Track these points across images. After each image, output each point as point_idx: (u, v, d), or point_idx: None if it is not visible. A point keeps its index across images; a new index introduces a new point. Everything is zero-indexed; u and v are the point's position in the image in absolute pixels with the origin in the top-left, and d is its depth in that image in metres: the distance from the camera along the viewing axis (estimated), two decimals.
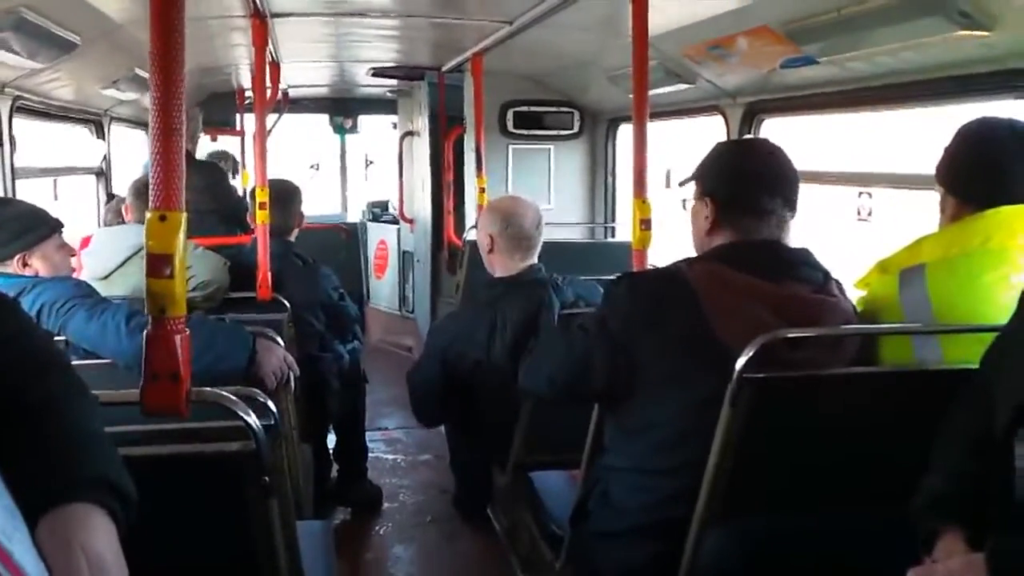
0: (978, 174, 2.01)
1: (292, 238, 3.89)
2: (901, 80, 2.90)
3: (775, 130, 3.95)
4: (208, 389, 1.54)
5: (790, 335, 1.79)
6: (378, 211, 8.54)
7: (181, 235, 1.50)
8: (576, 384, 2.19)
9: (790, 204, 2.04)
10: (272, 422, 1.69)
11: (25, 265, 2.61)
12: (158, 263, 1.48)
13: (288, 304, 3.19)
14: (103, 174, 5.21)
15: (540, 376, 2.34)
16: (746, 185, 2.05)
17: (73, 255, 2.86)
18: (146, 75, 4.36)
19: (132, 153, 6.04)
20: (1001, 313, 1.83)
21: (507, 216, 3.32)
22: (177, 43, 1.47)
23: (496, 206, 3.44)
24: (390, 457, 5.08)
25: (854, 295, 2.11)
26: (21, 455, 1.06)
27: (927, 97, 2.93)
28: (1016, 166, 1.96)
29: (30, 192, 3.86)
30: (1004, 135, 2.00)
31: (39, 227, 2.65)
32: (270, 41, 3.96)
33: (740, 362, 1.71)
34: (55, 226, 2.70)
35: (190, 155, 4.57)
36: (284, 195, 3.74)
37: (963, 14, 2.35)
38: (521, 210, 3.34)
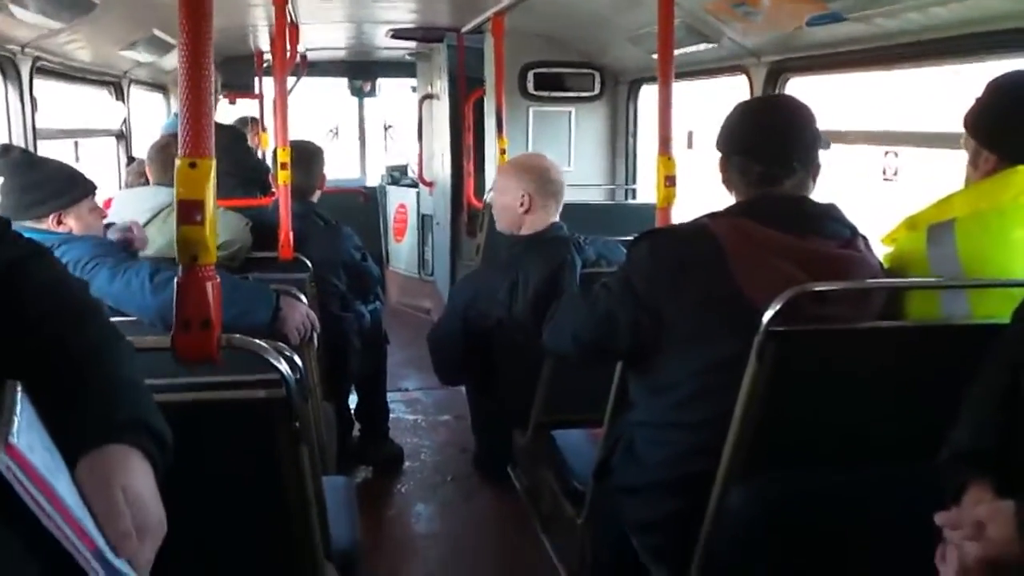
0: (1008, 124, 1.97)
1: (314, 199, 3.89)
2: (929, 37, 2.85)
3: (800, 90, 3.90)
4: (239, 336, 1.56)
5: (817, 288, 1.78)
6: (397, 175, 8.52)
7: (211, 182, 1.51)
8: (601, 343, 2.19)
9: (809, 160, 2.02)
10: (298, 376, 1.71)
11: (60, 223, 2.64)
12: (189, 209, 1.49)
13: (310, 264, 3.20)
14: (123, 136, 5.22)
15: (564, 335, 2.34)
16: (762, 141, 2.04)
17: (104, 217, 2.88)
18: (164, 37, 4.39)
19: (151, 115, 6.06)
20: None
21: (541, 171, 3.34)
22: None
23: (526, 164, 3.44)
24: (411, 417, 5.11)
25: (881, 251, 2.10)
26: (62, 400, 1.08)
27: (955, 54, 2.88)
28: None
29: (52, 153, 3.87)
30: None
31: (76, 188, 2.69)
32: (289, 1, 3.94)
33: (767, 316, 1.70)
34: (90, 188, 2.74)
35: None
36: (306, 156, 3.74)
37: None
38: (548, 163, 3.38)
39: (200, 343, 1.52)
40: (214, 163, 1.52)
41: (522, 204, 3.32)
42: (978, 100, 2.04)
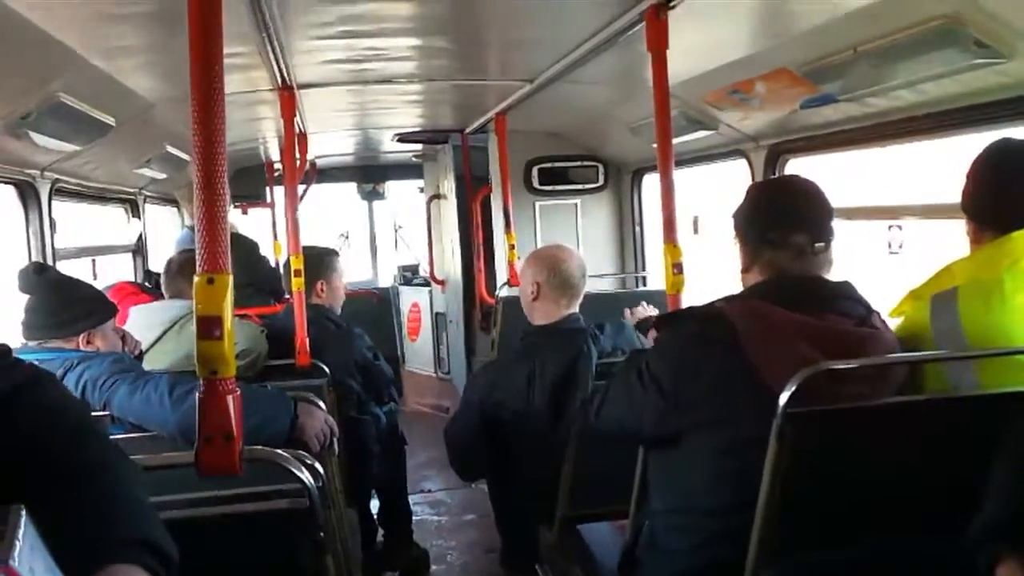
0: (993, 198, 2.01)
1: (323, 302, 3.94)
2: (920, 112, 2.92)
3: (800, 170, 3.97)
4: (261, 448, 1.57)
5: (832, 367, 1.78)
6: (409, 275, 8.62)
7: (229, 297, 1.54)
8: (626, 428, 2.21)
9: (821, 238, 2.03)
10: (320, 484, 1.71)
11: (88, 343, 2.71)
12: (208, 325, 1.52)
13: (327, 369, 3.22)
14: (139, 252, 5.32)
15: (601, 421, 2.34)
16: (772, 223, 2.06)
17: (123, 336, 2.94)
18: (177, 153, 4.52)
19: (164, 230, 6.17)
20: None
21: (554, 263, 3.37)
22: (218, 112, 1.53)
23: (542, 254, 3.48)
24: (435, 519, 5.06)
25: (892, 324, 2.11)
26: (64, 518, 1.08)
27: (947, 128, 2.94)
28: None
29: (70, 271, 3.94)
30: (1018, 157, 2.01)
31: (105, 309, 2.80)
32: (297, 113, 4.06)
33: (783, 397, 1.70)
34: (114, 310, 2.85)
35: None
36: (309, 260, 3.80)
37: (979, 44, 2.37)
38: (566, 256, 3.40)
39: (223, 457, 1.53)
40: (231, 278, 1.56)
41: (532, 293, 3.36)
42: (966, 175, 2.09)
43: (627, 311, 3.54)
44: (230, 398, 1.54)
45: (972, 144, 2.86)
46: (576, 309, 3.37)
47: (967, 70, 2.49)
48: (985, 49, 2.38)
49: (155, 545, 1.12)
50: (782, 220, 2.05)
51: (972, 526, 1.44)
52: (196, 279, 1.54)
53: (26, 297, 2.69)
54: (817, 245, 2.02)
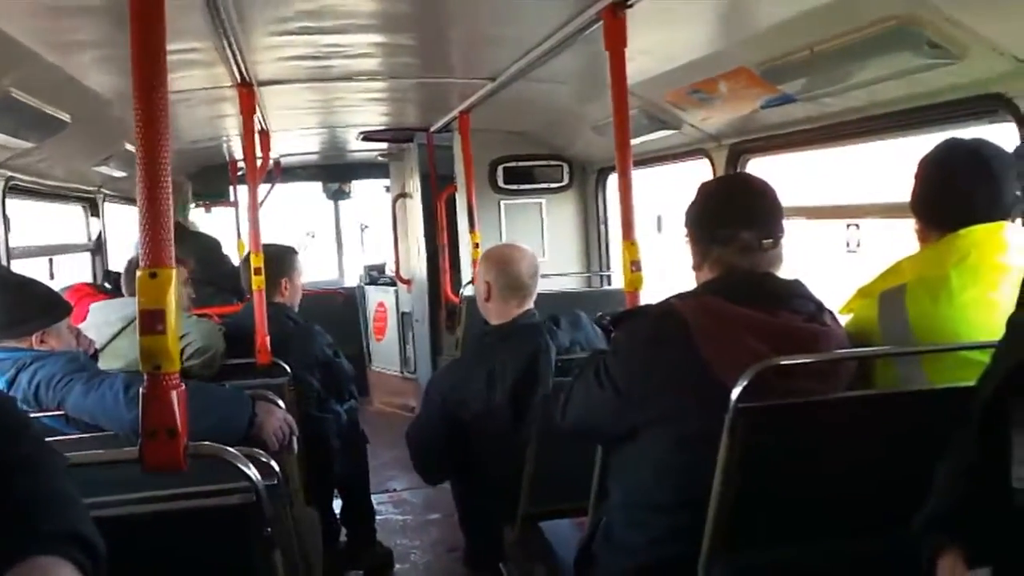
0: (940, 198, 2.05)
1: (284, 301, 3.91)
2: (877, 112, 2.96)
3: (761, 169, 4.00)
4: (207, 443, 1.55)
5: (782, 362, 1.80)
6: (375, 274, 8.58)
7: (172, 291, 1.52)
8: (585, 426, 2.24)
9: (768, 234, 2.05)
10: (275, 482, 1.70)
11: (42, 342, 2.66)
12: (150, 319, 1.50)
13: (287, 368, 3.20)
14: (98, 251, 5.25)
15: (565, 421, 2.34)
16: (720, 220, 2.09)
17: (77, 335, 2.90)
18: (134, 150, 4.46)
19: (125, 229, 6.10)
20: (978, 331, 1.85)
21: (502, 263, 3.35)
22: (159, 103, 1.52)
23: (491, 254, 3.47)
24: (399, 518, 5.04)
25: (842, 321, 2.13)
26: None
27: (903, 128, 2.99)
28: (977, 187, 2.00)
29: (25, 270, 3.89)
30: (963, 157, 2.04)
31: (58, 308, 2.74)
32: (259, 110, 4.03)
33: (735, 392, 1.72)
34: (69, 308, 2.80)
35: (181, 226, 4.61)
36: (270, 260, 3.77)
37: (932, 44, 2.40)
38: (517, 256, 3.37)
39: (167, 452, 1.51)
40: (175, 272, 1.54)
41: (484, 293, 3.36)
42: (914, 176, 2.12)
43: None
44: (174, 393, 1.52)
45: (928, 144, 2.92)
46: (530, 307, 3.37)
47: (921, 70, 2.53)
48: (938, 50, 2.41)
49: (82, 538, 1.12)
50: (729, 217, 2.07)
51: (914, 519, 1.46)
52: (139, 273, 1.52)
53: None
54: (765, 242, 2.03)
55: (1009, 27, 2.25)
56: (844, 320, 2.14)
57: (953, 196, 2.02)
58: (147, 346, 1.52)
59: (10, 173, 3.67)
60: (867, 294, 2.09)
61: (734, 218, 2.06)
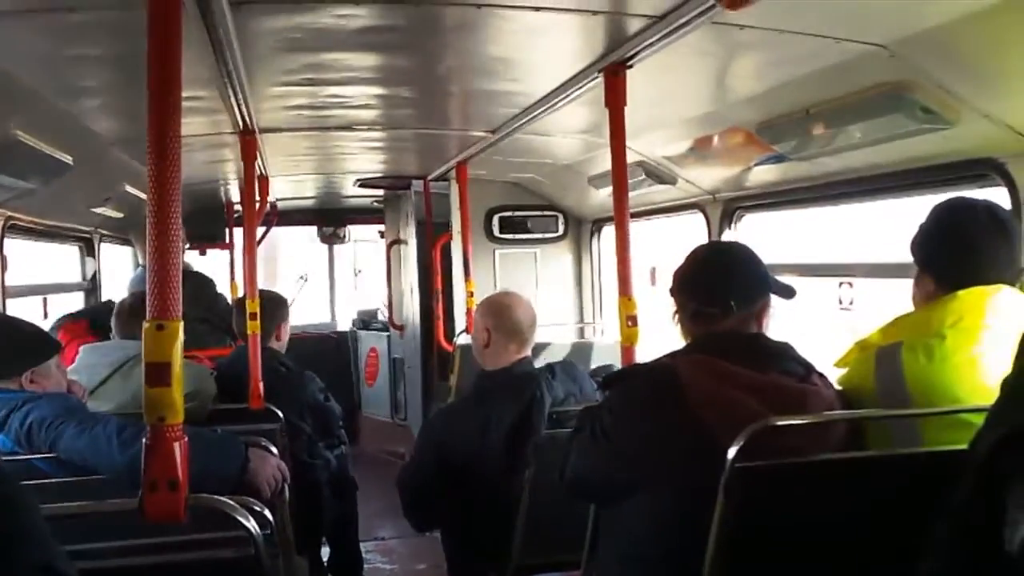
0: (952, 254, 2.06)
1: (276, 346, 3.91)
2: (870, 174, 3.01)
3: (755, 225, 4.05)
4: (207, 496, 1.55)
5: (779, 423, 1.81)
6: (368, 319, 8.58)
7: (178, 344, 1.53)
8: (581, 485, 2.26)
9: (749, 300, 2.11)
10: (269, 531, 1.69)
11: (32, 382, 2.64)
12: (157, 372, 1.51)
13: (280, 413, 3.19)
14: (92, 291, 5.25)
15: (565, 480, 2.36)
16: (699, 281, 2.18)
17: (68, 380, 2.89)
18: (136, 192, 4.49)
19: (118, 269, 6.11)
20: (972, 393, 1.87)
21: (502, 309, 3.37)
22: (173, 160, 1.54)
23: (491, 301, 3.49)
24: (387, 567, 5.00)
25: (834, 375, 2.15)
26: None
27: (895, 189, 3.04)
28: (989, 247, 2.02)
29: (20, 310, 3.89)
30: (979, 216, 2.06)
31: (47, 347, 2.72)
32: (259, 156, 4.06)
33: (731, 451, 1.72)
34: (58, 346, 2.79)
35: None
36: (267, 304, 3.78)
37: (925, 110, 2.46)
38: (515, 303, 3.39)
39: (168, 504, 1.51)
40: (181, 324, 1.55)
41: (483, 339, 3.36)
42: (921, 226, 2.15)
43: None
44: (177, 445, 1.52)
45: (920, 206, 2.96)
46: (527, 354, 3.38)
47: (914, 134, 2.58)
48: (931, 115, 2.47)
49: (58, 573, 1.14)
50: (706, 280, 2.17)
51: None
52: (145, 325, 1.53)
53: None
54: (741, 306, 2.09)
55: (1000, 95, 2.31)
56: (838, 373, 2.16)
57: (965, 253, 2.03)
58: (152, 397, 1.52)
59: (9, 212, 3.68)
60: (864, 347, 2.11)
61: (708, 281, 2.16)
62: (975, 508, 1.42)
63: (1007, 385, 1.52)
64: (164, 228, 1.53)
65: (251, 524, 1.51)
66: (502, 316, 3.34)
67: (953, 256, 2.07)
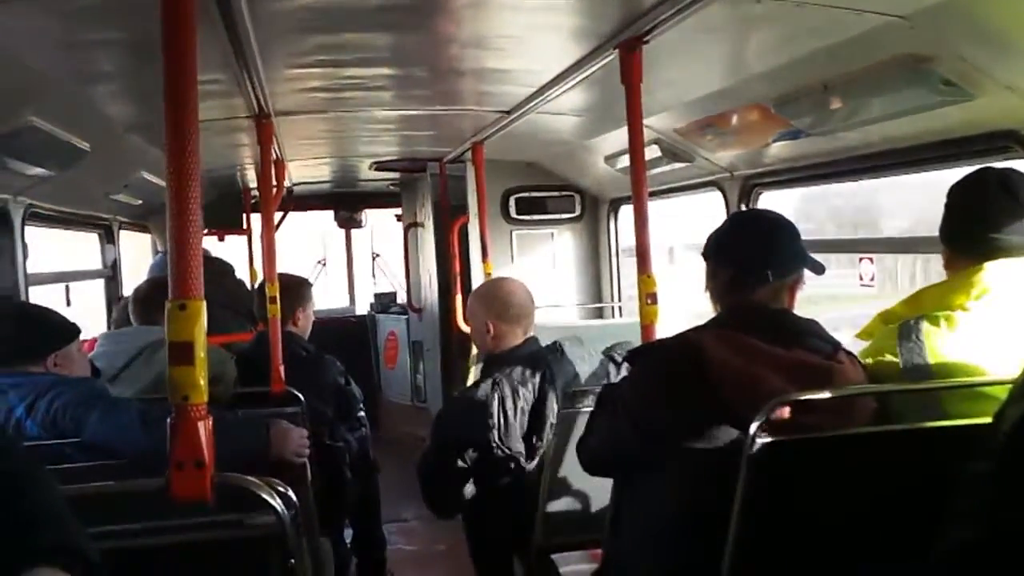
0: (968, 226, 2.05)
1: (296, 331, 3.93)
2: (890, 148, 2.98)
3: (774, 202, 4.02)
4: (233, 475, 1.56)
5: (802, 398, 1.80)
6: (386, 302, 8.59)
7: (201, 323, 1.54)
8: (602, 460, 2.28)
9: (786, 272, 2.08)
10: (294, 512, 1.71)
11: (56, 365, 2.69)
12: (180, 351, 1.52)
13: (301, 396, 3.20)
14: (113, 278, 5.29)
15: (585, 458, 2.37)
16: (737, 248, 2.15)
17: (87, 358, 2.93)
18: (153, 179, 4.51)
19: (139, 256, 6.14)
20: (995, 366, 1.86)
21: (504, 298, 3.39)
22: (191, 140, 1.54)
23: (488, 293, 3.50)
24: (409, 548, 5.03)
25: (857, 347, 2.14)
26: None
27: (915, 163, 3.00)
28: (1003, 218, 2.00)
29: (42, 297, 3.93)
30: (993, 188, 2.04)
31: (67, 332, 2.77)
32: (275, 140, 4.07)
33: (753, 427, 1.72)
34: (78, 330, 2.82)
35: None
36: (288, 288, 3.80)
37: (946, 82, 2.43)
38: (512, 289, 3.42)
39: (194, 484, 1.52)
40: (204, 304, 1.56)
41: (489, 332, 3.38)
42: (945, 207, 2.13)
43: None
44: (201, 424, 1.53)
45: (942, 179, 2.93)
46: (533, 333, 3.39)
47: (934, 107, 2.55)
48: (952, 87, 2.44)
49: (80, 552, 1.14)
50: (744, 247, 2.13)
51: (932, 553, 1.46)
52: (168, 305, 1.54)
53: None
54: (777, 277, 2.06)
55: (1021, 65, 2.28)
56: (861, 346, 2.15)
57: (980, 224, 2.02)
58: (176, 377, 1.53)
59: (29, 200, 3.71)
60: (887, 320, 2.10)
61: (747, 248, 2.12)
62: (999, 482, 1.41)
63: None
64: (183, 208, 1.54)
65: (277, 502, 1.52)
66: (505, 304, 3.36)
67: (965, 228, 2.07)
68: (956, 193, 2.12)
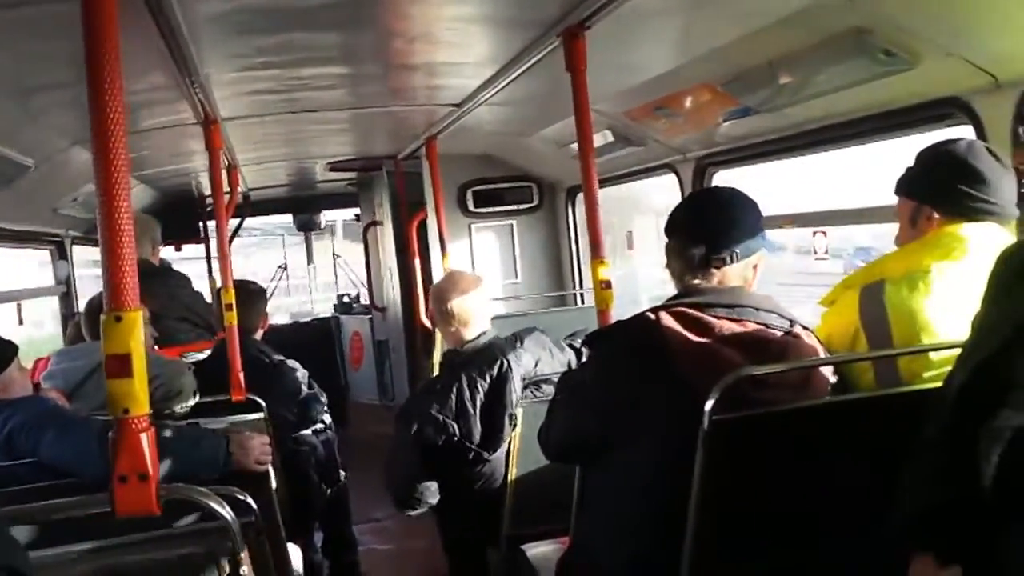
0: (953, 182, 2.02)
1: (257, 337, 3.90)
2: (837, 121, 2.99)
3: (729, 182, 4.03)
4: (178, 485, 1.53)
5: (755, 372, 1.81)
6: (349, 303, 8.55)
7: (138, 333, 1.51)
8: (565, 446, 2.25)
9: (748, 250, 2.07)
10: (252, 518, 1.68)
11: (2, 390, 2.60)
12: (116, 363, 1.49)
13: (263, 403, 3.17)
14: (67, 294, 5.20)
15: (550, 446, 2.35)
16: (676, 235, 2.13)
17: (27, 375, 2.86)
18: None
19: (94, 271, 6.05)
20: (953, 330, 1.87)
21: (437, 294, 3.44)
22: (118, 143, 1.50)
23: (435, 289, 3.57)
24: (382, 547, 5.00)
25: (818, 315, 2.15)
26: None
27: (861, 135, 3.02)
28: (992, 178, 2.00)
29: None
30: (978, 148, 2.04)
31: (8, 352, 2.66)
32: (225, 145, 4.02)
33: (708, 403, 1.72)
34: (16, 349, 2.72)
35: (150, 264, 4.58)
36: (246, 295, 3.76)
37: (886, 52, 2.44)
38: (449, 287, 3.46)
39: (139, 496, 1.49)
40: (140, 314, 1.53)
41: (434, 323, 3.42)
42: (921, 160, 2.12)
43: None
44: (144, 436, 1.50)
45: (889, 149, 2.96)
46: (481, 329, 3.39)
47: (876, 78, 2.57)
48: (893, 57, 2.45)
49: (17, 571, 1.12)
50: (682, 232, 2.12)
51: (886, 524, 1.47)
52: (103, 317, 1.51)
53: None
54: (714, 258, 2.05)
55: (960, 32, 2.29)
56: (822, 312, 2.16)
57: (968, 182, 2.00)
58: (115, 390, 1.50)
59: None
60: (848, 286, 2.11)
61: (686, 233, 2.11)
62: (949, 446, 1.42)
63: (976, 321, 1.53)
64: (113, 217, 1.50)
65: (226, 511, 1.49)
66: (437, 299, 3.41)
67: (962, 188, 2.02)
68: (938, 151, 2.10)
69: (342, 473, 4.23)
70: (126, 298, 1.50)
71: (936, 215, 2.06)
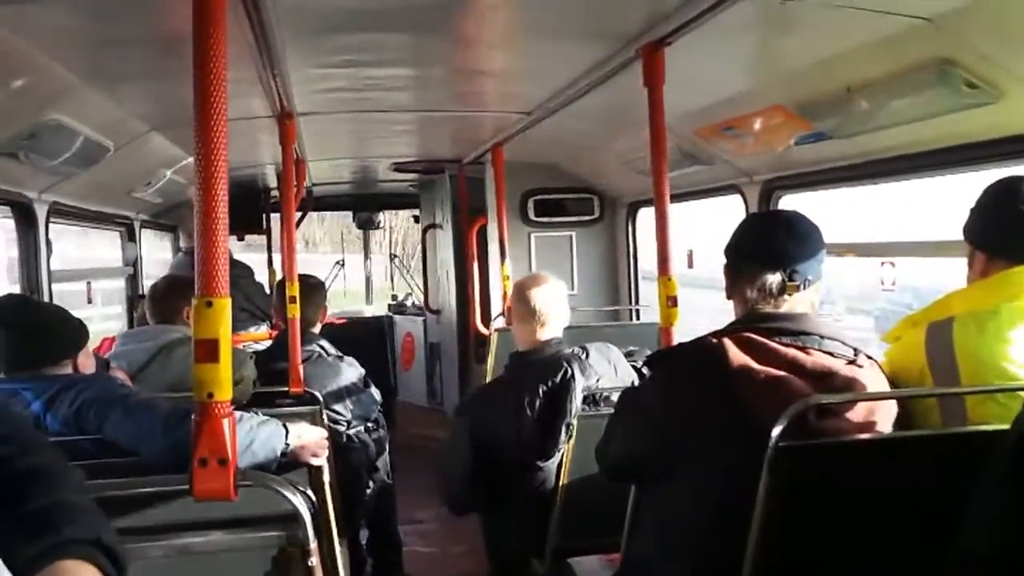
0: (1007, 230, 2.01)
1: (316, 331, 3.94)
2: (912, 152, 2.95)
3: (794, 206, 4.00)
4: (256, 472, 1.57)
5: (824, 402, 1.79)
6: (404, 304, 8.61)
7: (227, 320, 1.55)
8: (620, 467, 2.26)
9: (817, 275, 2.06)
10: (312, 513, 1.71)
11: (74, 368, 2.70)
12: (206, 348, 1.53)
13: (320, 397, 3.21)
14: (134, 276, 5.32)
15: (607, 463, 2.35)
16: (745, 259, 2.11)
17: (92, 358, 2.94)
18: (176, 178, 4.54)
19: (159, 255, 6.18)
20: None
21: (519, 290, 3.43)
22: (220, 137, 1.55)
23: (518, 282, 3.57)
24: (424, 550, 5.02)
25: (883, 351, 2.13)
26: (10, 520, 1.11)
27: (937, 167, 2.97)
28: None
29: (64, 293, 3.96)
30: None
31: (83, 332, 2.79)
32: (296, 140, 4.08)
33: (776, 430, 1.71)
34: (88, 333, 2.83)
35: None
36: (307, 289, 3.80)
37: (969, 84, 2.40)
38: (532, 283, 3.44)
39: (217, 481, 1.53)
40: (229, 302, 1.57)
41: (509, 319, 3.41)
42: (977, 204, 2.10)
43: None
44: (226, 421, 1.54)
45: (966, 183, 2.91)
46: (553, 335, 3.38)
47: (958, 110, 2.53)
48: (975, 90, 2.41)
49: (106, 545, 1.14)
50: (753, 257, 2.09)
51: (949, 557, 1.45)
52: (194, 302, 1.55)
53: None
54: (789, 284, 2.03)
55: None
56: (885, 349, 2.13)
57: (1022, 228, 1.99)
58: (201, 374, 1.54)
59: (54, 198, 3.74)
60: (915, 323, 2.08)
61: (757, 258, 2.08)
62: (1016, 487, 1.40)
63: None
64: (210, 207, 1.55)
65: (298, 501, 1.52)
66: (518, 296, 3.41)
67: (1007, 232, 2.02)
68: (995, 195, 2.08)
69: (391, 473, 4.26)
70: (218, 285, 1.54)
71: (983, 256, 2.05)
